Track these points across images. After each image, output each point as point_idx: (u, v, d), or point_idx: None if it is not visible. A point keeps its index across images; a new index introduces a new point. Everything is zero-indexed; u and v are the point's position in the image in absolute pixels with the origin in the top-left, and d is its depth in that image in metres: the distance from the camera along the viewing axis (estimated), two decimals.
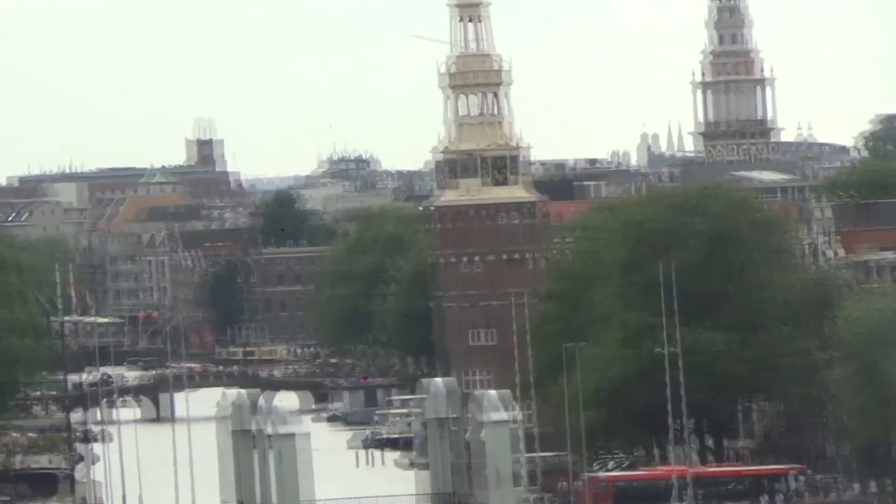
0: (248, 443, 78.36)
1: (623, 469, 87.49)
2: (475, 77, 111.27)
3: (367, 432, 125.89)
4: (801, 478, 75.88)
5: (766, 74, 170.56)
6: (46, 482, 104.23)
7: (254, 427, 78.50)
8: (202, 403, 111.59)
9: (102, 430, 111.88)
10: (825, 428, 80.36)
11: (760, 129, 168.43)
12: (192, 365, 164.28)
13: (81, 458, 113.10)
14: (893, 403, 66.90)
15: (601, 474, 79.10)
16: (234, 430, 79.45)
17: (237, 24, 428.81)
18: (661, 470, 79.11)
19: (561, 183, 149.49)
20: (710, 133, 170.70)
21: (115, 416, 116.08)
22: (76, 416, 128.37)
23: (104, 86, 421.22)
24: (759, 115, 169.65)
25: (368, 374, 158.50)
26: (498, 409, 75.43)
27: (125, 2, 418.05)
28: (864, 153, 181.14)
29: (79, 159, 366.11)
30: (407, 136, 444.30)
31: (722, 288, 79.58)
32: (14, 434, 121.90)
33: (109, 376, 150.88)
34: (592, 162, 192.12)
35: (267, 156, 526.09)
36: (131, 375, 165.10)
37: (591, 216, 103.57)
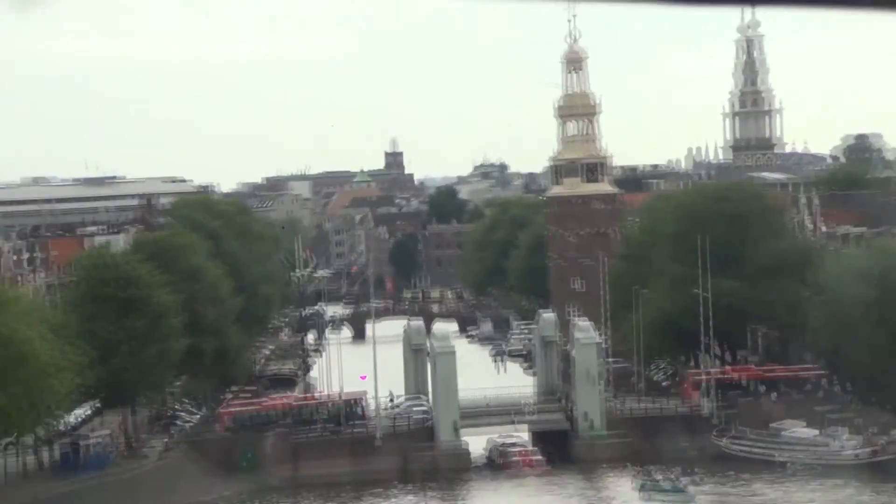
0: (419, 353, 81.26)
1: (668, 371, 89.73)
2: (578, 109, 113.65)
3: (496, 347, 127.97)
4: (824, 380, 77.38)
5: (776, 106, 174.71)
6: (286, 382, 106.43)
7: (425, 343, 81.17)
8: (389, 328, 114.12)
9: (323, 346, 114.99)
10: (804, 346, 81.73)
11: (769, 143, 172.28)
12: (382, 302, 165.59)
13: (309, 367, 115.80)
14: (847, 324, 68.41)
15: (699, 371, 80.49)
16: (413, 346, 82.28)
17: (420, 71, 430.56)
18: (739, 369, 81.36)
19: (633, 181, 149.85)
20: (736, 147, 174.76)
21: (328, 337, 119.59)
22: (307, 337, 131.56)
23: (329, 107, 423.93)
24: (768, 134, 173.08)
25: (502, 307, 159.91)
26: (587, 332, 77.46)
27: (355, 49, 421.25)
28: (843, 160, 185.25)
29: (308, 164, 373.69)
30: (531, 148, 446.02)
31: (739, 251, 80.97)
32: (265, 350, 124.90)
33: (323, 311, 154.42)
34: (655, 166, 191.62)
35: (436, 161, 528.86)
36: (342, 311, 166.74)
37: (653, 203, 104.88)
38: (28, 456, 64.61)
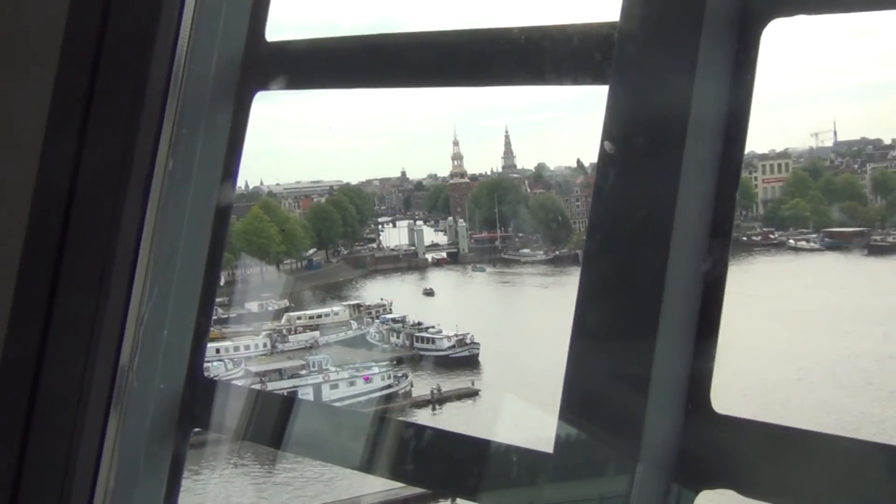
0: (412, 231, 79.56)
1: None
2: (457, 156, 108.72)
3: (435, 227, 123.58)
4: None
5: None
6: (372, 239, 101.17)
7: (414, 228, 79.29)
8: (402, 223, 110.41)
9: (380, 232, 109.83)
10: None
11: (514, 165, 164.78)
12: (400, 215, 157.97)
13: (379, 234, 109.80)
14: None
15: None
16: (409, 228, 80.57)
17: None
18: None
19: (473, 178, 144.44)
20: (504, 167, 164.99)
21: (382, 227, 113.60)
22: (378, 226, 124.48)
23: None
24: (512, 163, 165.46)
25: (437, 217, 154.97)
26: (462, 223, 75.87)
27: None
28: None
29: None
30: (446, 169, 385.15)
31: (512, 197, 77.96)
32: (365, 230, 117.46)
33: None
34: (480, 174, 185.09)
35: None
36: (387, 218, 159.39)
37: (480, 185, 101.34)
38: (294, 266, 64.74)
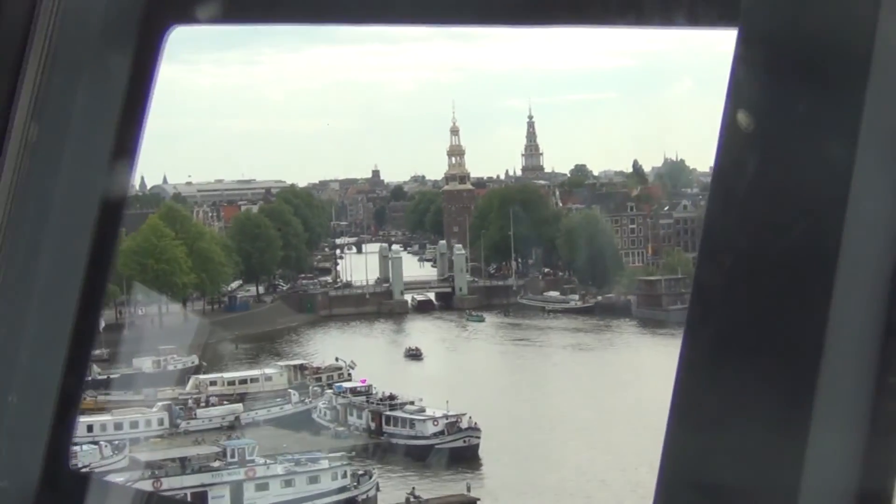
0: (386, 259, 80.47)
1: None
2: (456, 150, 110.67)
3: (419, 256, 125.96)
4: None
5: (541, 152, 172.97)
6: (327, 270, 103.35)
7: (388, 254, 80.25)
8: (372, 248, 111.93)
9: (342, 255, 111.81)
10: (557, 257, 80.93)
11: (540, 167, 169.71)
12: (370, 236, 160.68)
13: (337, 263, 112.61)
14: (571, 246, 68.30)
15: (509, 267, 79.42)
16: (383, 255, 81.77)
17: None
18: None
19: (479, 184, 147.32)
20: (525, 168, 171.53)
21: (345, 251, 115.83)
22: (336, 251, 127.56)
23: None
24: (540, 164, 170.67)
25: (423, 239, 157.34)
26: (460, 249, 77.03)
27: None
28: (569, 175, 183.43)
29: (336, 173, 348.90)
30: (438, 169, 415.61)
31: (527, 213, 79.89)
32: (318, 256, 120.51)
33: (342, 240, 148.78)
34: (489, 177, 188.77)
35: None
36: (350, 239, 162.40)
37: (488, 194, 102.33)
38: (209, 304, 64.81)
